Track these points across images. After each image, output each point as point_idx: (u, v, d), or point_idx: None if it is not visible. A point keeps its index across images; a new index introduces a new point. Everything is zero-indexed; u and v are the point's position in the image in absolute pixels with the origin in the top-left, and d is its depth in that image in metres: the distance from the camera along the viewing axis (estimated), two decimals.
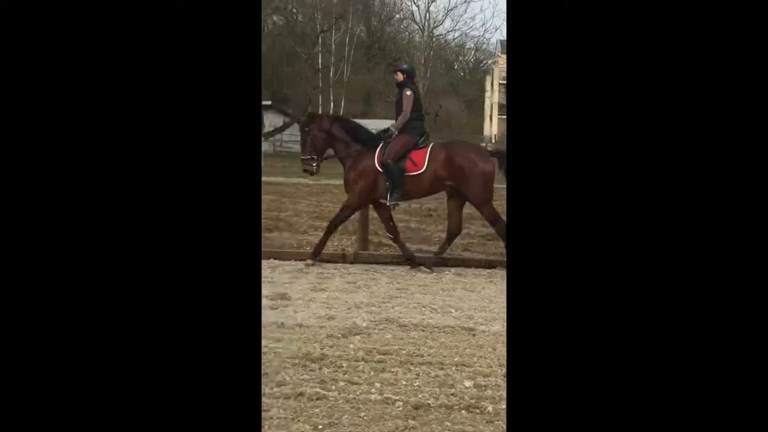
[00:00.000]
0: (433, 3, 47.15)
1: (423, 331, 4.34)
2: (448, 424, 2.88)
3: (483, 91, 44.66)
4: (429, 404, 3.06)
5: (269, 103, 32.83)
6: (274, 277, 5.90)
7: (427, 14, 42.58)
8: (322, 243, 6.58)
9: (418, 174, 6.39)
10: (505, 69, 35.64)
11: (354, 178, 6.55)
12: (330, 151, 6.76)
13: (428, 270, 6.35)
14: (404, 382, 3.35)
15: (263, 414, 2.89)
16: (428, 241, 7.72)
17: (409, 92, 6.58)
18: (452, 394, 3.20)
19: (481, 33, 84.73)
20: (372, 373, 3.47)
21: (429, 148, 6.48)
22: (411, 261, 6.52)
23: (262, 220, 8.60)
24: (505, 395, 2.94)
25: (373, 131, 6.72)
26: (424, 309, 4.91)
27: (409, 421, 2.88)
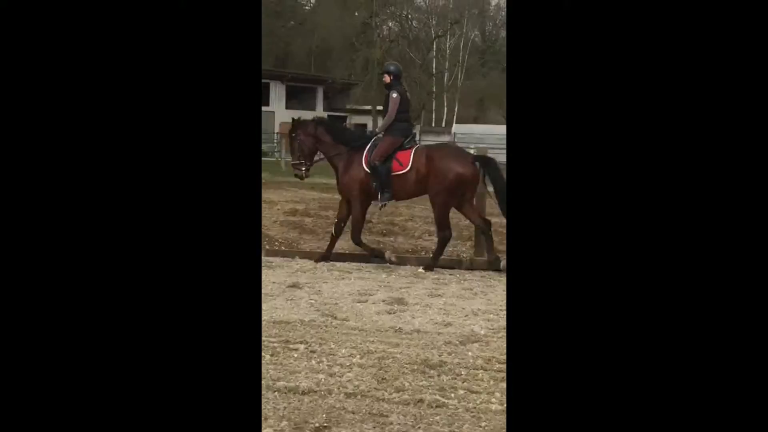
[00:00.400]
0: None
1: None
2: None
3: None
4: None
5: (369, 107, 33.20)
6: (390, 281, 5.93)
7: None
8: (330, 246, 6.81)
9: (403, 173, 6.53)
10: None
11: (346, 182, 6.73)
12: (319, 154, 7.01)
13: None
14: None
15: (383, 419, 2.89)
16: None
17: (395, 94, 6.69)
18: None
19: None
20: (492, 382, 3.40)
21: (414, 149, 6.62)
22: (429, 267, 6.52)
23: (378, 225, 8.73)
24: None
25: (367, 132, 7.02)
26: None
27: None
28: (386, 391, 3.20)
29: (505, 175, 6.16)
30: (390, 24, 38.49)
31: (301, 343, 3.97)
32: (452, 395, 3.20)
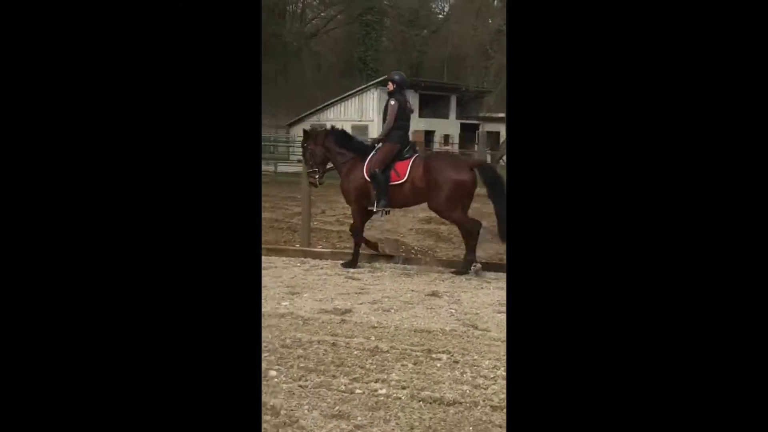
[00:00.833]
0: None
1: None
2: None
3: None
4: None
5: (502, 115, 32.73)
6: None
7: None
8: (356, 254, 6.92)
9: (399, 184, 6.66)
10: None
11: (345, 187, 6.94)
12: (330, 163, 7.22)
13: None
14: None
15: None
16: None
17: (393, 102, 6.80)
18: None
19: None
20: None
21: (412, 159, 6.68)
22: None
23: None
24: None
25: (366, 141, 7.15)
26: None
27: None
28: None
29: (504, 181, 6.19)
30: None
31: (443, 352, 3.95)
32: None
